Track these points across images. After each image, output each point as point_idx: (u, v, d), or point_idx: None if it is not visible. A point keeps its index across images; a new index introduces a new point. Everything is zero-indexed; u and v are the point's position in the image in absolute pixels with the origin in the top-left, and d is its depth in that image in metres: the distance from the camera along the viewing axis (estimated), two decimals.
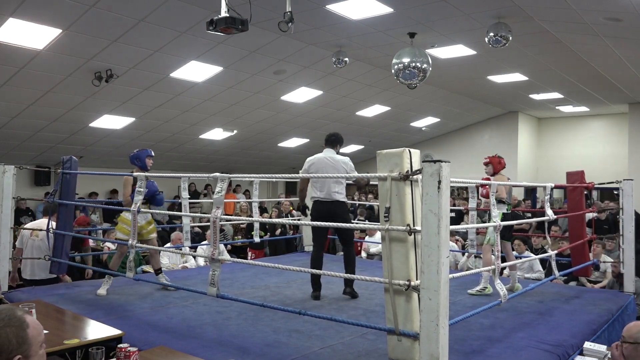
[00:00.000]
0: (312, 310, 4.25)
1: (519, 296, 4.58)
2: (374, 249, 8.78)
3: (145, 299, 4.82)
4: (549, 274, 6.11)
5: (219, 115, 10.79)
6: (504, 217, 5.07)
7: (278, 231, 9.50)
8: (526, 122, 15.04)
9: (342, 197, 5.04)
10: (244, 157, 14.40)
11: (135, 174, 4.89)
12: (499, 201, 5.10)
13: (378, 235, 8.64)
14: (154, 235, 5.24)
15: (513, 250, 6.25)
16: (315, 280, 5.00)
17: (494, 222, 4.11)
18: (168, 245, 7.58)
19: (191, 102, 9.88)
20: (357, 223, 8.16)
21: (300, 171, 5.20)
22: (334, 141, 5.18)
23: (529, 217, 9.73)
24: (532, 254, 7.08)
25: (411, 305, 3.01)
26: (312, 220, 5.01)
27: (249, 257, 9.33)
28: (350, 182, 5.83)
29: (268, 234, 9.67)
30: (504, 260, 5.31)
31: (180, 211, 6.77)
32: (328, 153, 5.11)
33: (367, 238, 9.29)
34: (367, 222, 9.09)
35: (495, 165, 5.44)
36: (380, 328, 3.18)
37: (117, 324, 3.67)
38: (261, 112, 11.04)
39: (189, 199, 6.55)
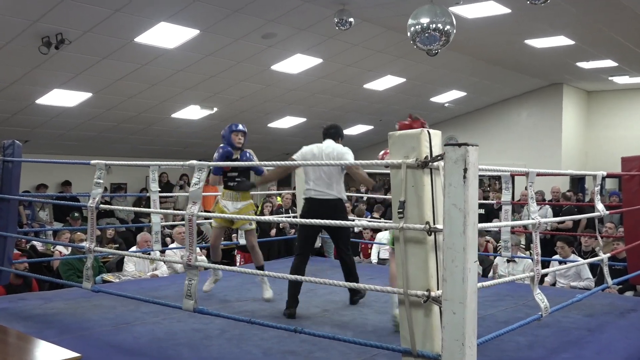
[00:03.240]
0: (310, 327, 4.26)
1: (563, 309, 4.60)
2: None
3: (106, 314, 4.83)
4: (600, 282, 6.13)
5: (195, 89, 10.77)
6: None
7: (273, 231, 9.51)
8: (572, 97, 15.01)
9: (340, 194, 5.09)
10: None
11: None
12: None
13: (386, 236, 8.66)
14: (247, 226, 5.53)
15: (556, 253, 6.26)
16: (294, 294, 4.95)
17: (533, 218, 4.11)
18: (134, 249, 7.59)
19: (161, 74, 9.85)
20: (370, 221, 8.19)
21: (295, 154, 5.23)
22: (335, 134, 5.26)
23: (575, 213, 9.76)
24: (579, 258, 7.11)
25: (431, 320, 3.02)
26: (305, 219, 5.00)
27: (238, 262, 9.35)
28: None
29: (258, 233, 9.66)
30: (544, 266, 5.32)
31: (149, 207, 6.76)
32: (326, 144, 5.18)
33: (383, 236, 9.30)
34: (382, 220, 9.11)
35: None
36: (394, 349, 3.19)
37: (72, 345, 3.66)
38: (247, 85, 11.01)
39: (160, 192, 6.55)
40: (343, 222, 3.55)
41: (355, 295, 5.23)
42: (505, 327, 3.55)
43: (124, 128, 12.09)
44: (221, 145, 5.54)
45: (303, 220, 4.38)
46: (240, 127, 5.63)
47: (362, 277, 5.23)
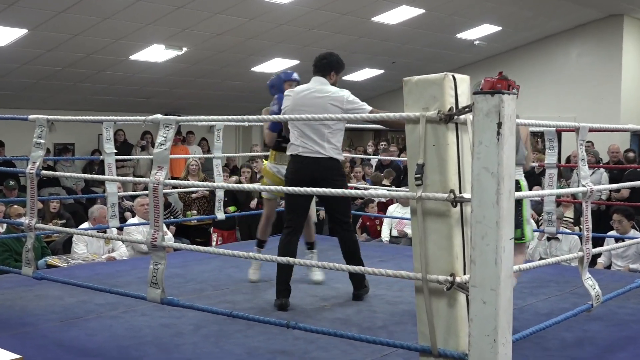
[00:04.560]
0: (306, 321, 4.30)
1: (619, 298, 4.64)
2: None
3: (52, 306, 4.87)
4: None
5: (159, 23, 10.67)
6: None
7: (254, 202, 9.55)
8: (635, 31, 14.90)
9: (334, 152, 4.96)
10: (199, 89, 14.29)
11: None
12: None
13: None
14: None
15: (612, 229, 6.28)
16: (285, 279, 4.94)
17: (584, 185, 4.13)
18: (85, 225, 7.62)
19: (116, 4, 9.75)
20: (377, 189, 8.20)
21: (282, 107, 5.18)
22: (325, 66, 5.07)
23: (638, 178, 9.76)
24: None
25: (456, 312, 3.06)
26: (289, 183, 4.98)
27: (214, 242, 9.41)
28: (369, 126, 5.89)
29: (238, 207, 9.72)
30: (596, 244, 5.34)
31: (103, 173, 6.76)
32: (316, 84, 5.03)
33: (395, 209, 9.33)
34: (394, 188, 9.14)
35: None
36: (410, 347, 3.23)
37: (11, 345, 3.68)
38: (224, 18, 10.91)
39: (116, 154, 6.54)
40: (334, 191, 3.50)
41: (361, 288, 5.17)
42: (547, 320, 3.59)
43: (69, 74, 11.99)
44: (277, 95, 5.54)
45: (283, 188, 4.34)
46: (295, 75, 5.65)
47: (371, 259, 5.26)
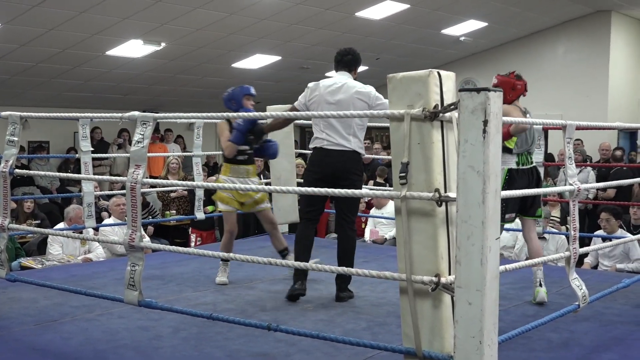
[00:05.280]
0: (288, 323, 4.30)
1: (606, 298, 4.68)
2: (388, 231, 8.87)
3: (26, 309, 4.84)
4: None
5: (136, 18, 10.62)
6: (510, 175, 5.11)
7: None
8: (623, 28, 15.02)
9: (358, 146, 5.13)
10: (178, 86, 14.24)
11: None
12: (503, 149, 5.14)
13: (391, 207, 8.72)
14: (266, 205, 5.80)
15: (594, 229, 6.31)
16: (300, 272, 5.08)
17: (571, 183, 4.15)
18: (60, 225, 7.58)
19: None
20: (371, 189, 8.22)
21: (296, 102, 5.25)
22: (351, 62, 5.28)
23: (627, 177, 9.85)
24: (628, 234, 7.21)
25: (441, 313, 3.07)
26: (309, 177, 5.15)
27: (193, 243, 9.39)
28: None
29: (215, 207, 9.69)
30: (583, 243, 5.38)
31: (79, 172, 6.73)
32: (340, 78, 5.19)
33: (373, 212, 9.37)
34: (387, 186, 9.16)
35: (508, 90, 5.15)
36: (394, 349, 3.24)
37: None
38: (204, 12, 10.88)
39: (93, 152, 6.51)
40: (346, 191, 3.53)
41: (344, 290, 5.19)
42: (533, 320, 3.61)
43: (44, 69, 11.91)
44: (242, 109, 5.65)
45: (275, 188, 4.39)
46: (253, 91, 5.77)
47: (355, 259, 5.26)
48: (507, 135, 5.00)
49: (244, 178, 5.63)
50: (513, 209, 5.15)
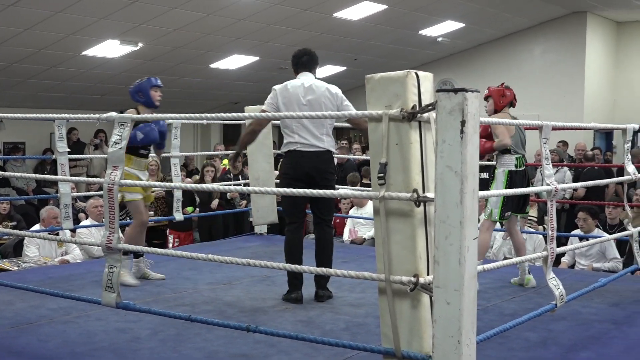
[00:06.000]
0: (267, 324, 4.29)
1: (583, 297, 4.72)
2: (367, 231, 8.87)
3: (2, 312, 4.79)
4: (629, 262, 6.28)
5: (113, 18, 10.56)
6: (510, 176, 5.44)
7: (215, 202, 9.52)
8: (598, 29, 15.15)
9: (331, 145, 5.19)
10: None
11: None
12: (503, 151, 5.46)
13: (370, 208, 8.73)
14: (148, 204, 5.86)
15: (575, 228, 6.36)
16: (295, 274, 5.07)
17: (548, 184, 4.18)
18: (37, 227, 7.51)
19: None
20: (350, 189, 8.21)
21: (265, 103, 5.22)
22: (310, 62, 5.26)
23: (600, 177, 9.94)
24: (604, 233, 7.27)
25: (419, 313, 3.08)
26: (285, 179, 5.14)
27: (171, 244, 9.35)
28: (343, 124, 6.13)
29: (197, 208, 9.68)
30: (560, 243, 5.43)
31: (55, 173, 6.67)
32: (306, 79, 5.18)
33: (353, 211, 9.37)
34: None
35: (497, 97, 5.64)
36: (373, 349, 3.24)
37: None
38: (182, 12, 10.84)
39: (69, 153, 6.47)
40: (321, 192, 3.54)
41: (323, 288, 5.19)
42: (511, 320, 3.63)
43: (19, 70, 11.80)
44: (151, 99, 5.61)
45: (254, 189, 4.37)
46: (160, 82, 5.75)
47: (334, 260, 5.28)
48: (490, 150, 5.46)
49: (143, 171, 5.66)
50: (512, 208, 5.53)
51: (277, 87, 5.18)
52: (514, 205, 5.53)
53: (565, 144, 12.75)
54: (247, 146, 5.70)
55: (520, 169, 5.50)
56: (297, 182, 4.96)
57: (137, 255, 5.70)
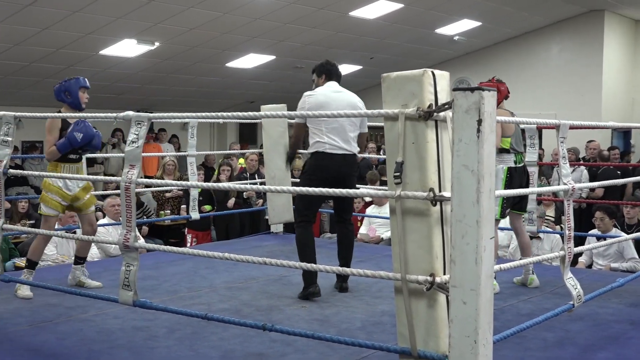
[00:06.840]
0: (283, 323, 4.30)
1: (601, 297, 4.69)
2: (385, 231, 8.83)
3: (21, 310, 4.82)
4: None
5: (130, 17, 10.60)
6: (509, 173, 5.45)
7: (231, 202, 9.53)
8: (617, 27, 15.05)
9: (356, 149, 5.42)
10: (172, 85, 14.22)
11: (62, 114, 5.06)
12: (501, 150, 5.47)
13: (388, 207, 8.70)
14: (93, 208, 5.61)
15: (591, 227, 6.33)
16: (309, 275, 5.15)
17: (565, 183, 4.16)
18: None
19: None
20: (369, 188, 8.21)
21: (298, 108, 5.33)
22: (336, 72, 5.49)
23: (616, 176, 9.87)
24: (622, 233, 7.22)
25: (436, 312, 3.07)
26: (308, 179, 5.21)
27: (189, 243, 9.37)
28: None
29: (215, 206, 9.69)
30: (577, 243, 5.40)
31: None
32: (337, 87, 5.42)
33: (371, 209, 9.33)
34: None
35: None
36: (389, 349, 3.24)
37: None
38: (198, 12, 10.87)
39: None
40: (351, 191, 3.67)
41: (345, 281, 5.37)
42: (528, 320, 3.62)
43: (37, 69, 11.88)
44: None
45: (270, 188, 4.40)
46: (88, 83, 5.54)
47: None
48: None
49: (72, 181, 5.32)
50: (511, 205, 5.55)
51: (309, 93, 5.36)
52: (513, 203, 5.55)
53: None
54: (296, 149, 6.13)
55: (519, 165, 5.52)
56: (320, 182, 4.91)
57: (77, 262, 5.54)
